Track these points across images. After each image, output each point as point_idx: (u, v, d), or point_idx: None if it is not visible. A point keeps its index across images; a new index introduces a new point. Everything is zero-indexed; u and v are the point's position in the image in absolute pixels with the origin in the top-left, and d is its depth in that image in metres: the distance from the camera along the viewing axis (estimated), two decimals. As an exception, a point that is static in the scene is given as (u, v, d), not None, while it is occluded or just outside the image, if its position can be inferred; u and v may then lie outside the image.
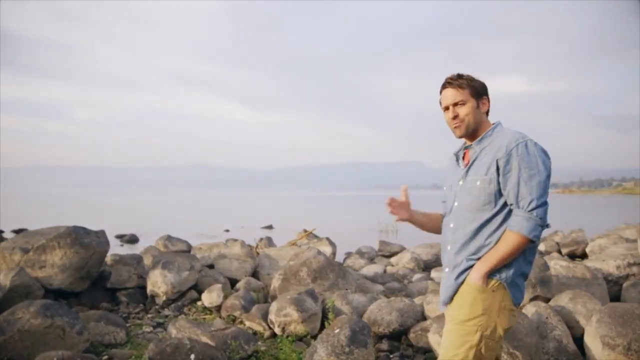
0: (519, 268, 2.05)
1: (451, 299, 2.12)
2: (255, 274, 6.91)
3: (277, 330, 4.72)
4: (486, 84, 2.22)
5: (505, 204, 2.04)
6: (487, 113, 2.20)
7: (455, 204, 2.18)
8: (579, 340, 3.63)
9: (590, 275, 4.55)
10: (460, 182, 2.17)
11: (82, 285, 5.97)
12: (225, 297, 5.67)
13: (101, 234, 6.30)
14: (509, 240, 1.98)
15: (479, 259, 2.05)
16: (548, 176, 2.01)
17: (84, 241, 5.92)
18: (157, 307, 5.88)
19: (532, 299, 3.97)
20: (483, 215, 2.06)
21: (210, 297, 5.72)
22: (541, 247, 12.49)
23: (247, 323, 5.01)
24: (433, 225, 2.41)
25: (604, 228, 15.91)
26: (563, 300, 3.93)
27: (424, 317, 4.77)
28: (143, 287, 6.26)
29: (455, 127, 2.16)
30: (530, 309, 3.70)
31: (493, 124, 2.20)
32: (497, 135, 2.11)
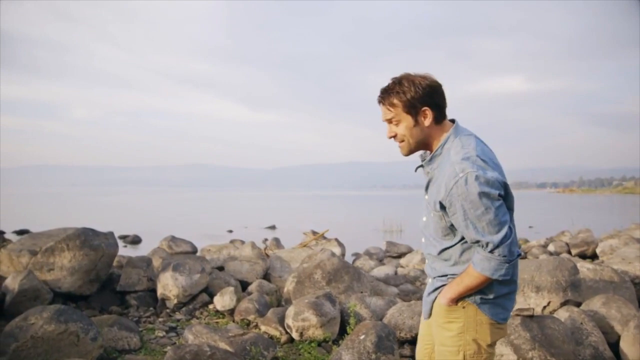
0: (494, 290, 1.90)
1: (429, 314, 2.06)
2: (266, 276, 6.78)
3: (295, 335, 4.59)
4: (433, 84, 1.91)
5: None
6: (438, 118, 1.93)
7: (424, 219, 2.05)
8: (614, 346, 3.50)
9: (618, 279, 4.42)
10: (426, 197, 2.02)
11: (91, 288, 5.84)
12: (238, 301, 5.54)
13: (110, 236, 6.17)
14: (472, 276, 1.86)
15: (447, 281, 1.97)
16: (498, 207, 1.78)
17: (93, 243, 5.78)
18: (168, 310, 5.74)
19: (563, 304, 3.84)
20: (445, 243, 1.95)
21: (222, 301, 5.59)
22: (551, 247, 12.37)
23: (263, 328, 4.87)
24: None
25: (610, 228, 15.83)
26: (595, 304, 3.80)
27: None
28: (153, 290, 6.12)
29: (399, 146, 1.98)
30: (562, 314, 3.57)
31: (446, 134, 1.94)
32: (445, 157, 1.90)
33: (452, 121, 1.98)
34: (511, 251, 1.80)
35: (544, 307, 3.81)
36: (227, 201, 61.19)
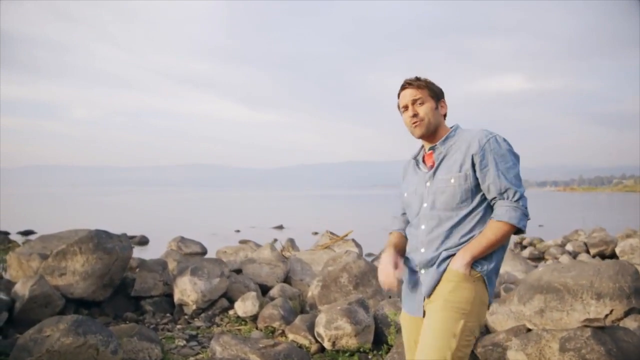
0: (497, 263, 2.02)
1: (433, 289, 2.01)
2: (286, 280, 6.47)
3: (327, 345, 4.28)
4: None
5: (482, 200, 2.02)
6: (444, 116, 2.18)
7: (425, 205, 2.10)
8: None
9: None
10: (428, 184, 2.11)
11: (104, 293, 5.53)
12: (261, 306, 5.23)
13: (124, 238, 5.86)
14: (496, 229, 1.94)
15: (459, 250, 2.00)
16: (519, 169, 2.03)
17: (107, 246, 5.47)
18: (186, 317, 5.44)
19: (627, 312, 3.53)
20: (460, 212, 2.02)
21: (244, 306, 5.28)
22: (569, 247, 12.09)
23: (291, 336, 4.56)
24: (405, 243, 2.27)
25: (622, 226, 15.52)
26: (662, 312, 3.49)
27: (488, 331, 4.33)
28: (169, 295, 5.82)
29: (415, 126, 2.12)
30: (631, 324, 3.27)
31: (451, 127, 2.18)
32: (461, 135, 2.11)
33: None
34: (527, 207, 1.98)
35: (606, 316, 3.51)
36: (229, 201, 60.84)
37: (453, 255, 1.98)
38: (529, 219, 1.96)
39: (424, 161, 2.20)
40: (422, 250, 2.07)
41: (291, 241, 9.31)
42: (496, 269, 2.02)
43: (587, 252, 11.72)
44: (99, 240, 5.45)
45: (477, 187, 2.01)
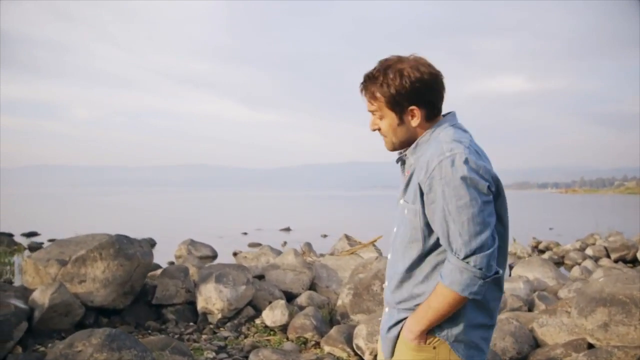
0: (469, 320, 1.55)
1: (391, 354, 1.65)
2: (311, 287, 6.22)
3: (367, 358, 4.04)
4: (433, 76, 1.57)
5: (439, 243, 1.54)
6: (427, 118, 1.60)
7: (394, 229, 1.68)
8: None
9: None
10: (401, 201, 1.64)
11: (125, 301, 5.29)
12: (291, 315, 4.99)
13: (144, 243, 5.64)
14: (441, 295, 1.49)
15: (413, 308, 1.59)
16: (485, 202, 1.45)
17: (128, 252, 5.23)
18: (211, 326, 5.19)
19: None
20: (410, 254, 1.58)
21: (272, 315, 5.04)
22: (589, 251, 11.83)
23: (327, 348, 4.33)
24: None
25: (635, 230, 15.28)
26: None
27: (537, 344, 4.09)
28: (191, 303, 5.57)
29: (383, 139, 1.66)
30: None
31: (445, 115, 1.64)
32: (431, 144, 1.56)
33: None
34: (489, 265, 1.45)
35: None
36: (231, 201, 60.63)
37: (405, 318, 1.60)
38: (486, 279, 1.44)
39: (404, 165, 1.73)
40: (386, 284, 1.72)
41: (308, 245, 9.07)
42: (470, 325, 1.56)
43: (608, 256, 11.48)
44: (120, 246, 5.21)
45: (429, 226, 1.53)
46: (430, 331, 1.55)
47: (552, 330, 4.01)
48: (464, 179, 1.43)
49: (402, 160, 1.68)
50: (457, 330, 1.55)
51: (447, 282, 1.47)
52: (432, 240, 1.54)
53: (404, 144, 1.64)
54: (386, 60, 1.58)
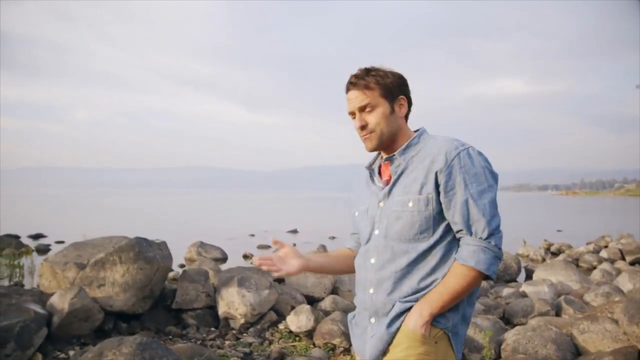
0: (464, 312, 1.60)
1: (383, 354, 1.58)
2: (333, 291, 6.07)
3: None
4: (404, 77, 1.71)
5: (447, 231, 1.59)
6: (406, 117, 1.73)
7: (376, 232, 1.66)
8: None
9: None
10: (381, 204, 1.67)
11: (144, 306, 5.14)
12: (316, 321, 4.84)
13: (163, 246, 5.49)
14: (461, 275, 1.52)
15: (417, 300, 1.56)
16: (496, 191, 1.61)
17: (148, 255, 5.09)
18: (234, 331, 5.04)
19: None
20: (418, 246, 1.58)
21: (297, 321, 4.89)
22: (603, 254, 11.68)
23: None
24: (340, 264, 1.89)
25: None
26: None
27: (578, 351, 3.94)
28: (211, 307, 5.42)
29: (365, 139, 1.69)
30: None
31: (416, 130, 1.74)
32: (427, 143, 1.66)
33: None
34: (501, 248, 1.56)
35: None
36: (236, 203, 60.41)
37: (409, 309, 1.56)
38: (501, 261, 1.54)
39: (380, 173, 1.75)
40: (371, 291, 1.64)
41: (323, 248, 8.91)
42: (463, 318, 1.60)
43: (623, 259, 11.34)
44: (140, 249, 5.06)
45: (441, 215, 1.58)
46: (434, 322, 1.53)
47: (594, 337, 3.86)
48: (483, 167, 1.58)
49: (371, 171, 1.75)
50: (456, 319, 1.58)
51: (473, 262, 1.51)
52: (441, 230, 1.58)
53: (389, 137, 1.68)
54: (360, 68, 1.70)
